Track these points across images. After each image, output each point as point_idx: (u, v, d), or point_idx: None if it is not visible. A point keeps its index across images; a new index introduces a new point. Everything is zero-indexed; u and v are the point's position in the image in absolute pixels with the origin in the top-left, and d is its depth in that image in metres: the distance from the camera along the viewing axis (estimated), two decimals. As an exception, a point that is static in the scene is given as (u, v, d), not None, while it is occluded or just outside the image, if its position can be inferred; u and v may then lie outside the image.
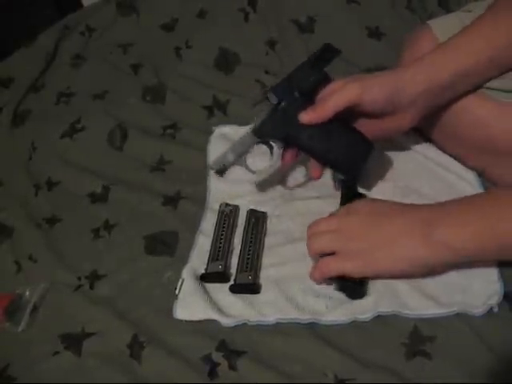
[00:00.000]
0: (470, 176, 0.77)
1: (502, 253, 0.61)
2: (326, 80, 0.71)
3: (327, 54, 0.72)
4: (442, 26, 0.74)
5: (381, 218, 0.64)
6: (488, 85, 0.71)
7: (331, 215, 0.70)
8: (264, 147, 0.73)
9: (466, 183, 0.77)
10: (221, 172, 0.72)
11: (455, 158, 0.79)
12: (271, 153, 0.72)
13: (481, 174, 0.77)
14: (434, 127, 0.78)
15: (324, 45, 0.73)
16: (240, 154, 0.71)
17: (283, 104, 0.69)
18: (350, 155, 0.71)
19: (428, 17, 1.04)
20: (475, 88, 0.71)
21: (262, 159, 0.75)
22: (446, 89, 0.69)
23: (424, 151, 0.81)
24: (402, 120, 0.70)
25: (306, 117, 0.68)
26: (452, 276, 0.68)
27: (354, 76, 0.70)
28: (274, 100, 0.69)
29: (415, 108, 0.69)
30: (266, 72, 1.01)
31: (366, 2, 1.08)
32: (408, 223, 0.62)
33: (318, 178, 0.75)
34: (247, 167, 0.73)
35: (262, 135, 0.71)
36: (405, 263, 0.63)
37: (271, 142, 0.72)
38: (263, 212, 0.79)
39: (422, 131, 0.81)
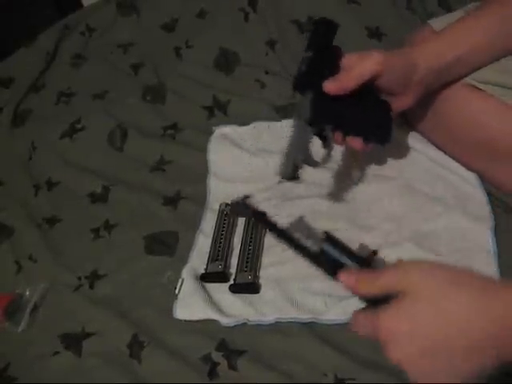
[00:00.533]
0: (471, 177, 0.77)
1: None
2: (338, 52, 0.68)
3: (324, 30, 0.70)
4: (444, 24, 0.75)
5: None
6: (489, 79, 0.71)
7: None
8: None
9: (468, 184, 0.77)
10: (294, 176, 0.64)
11: (456, 161, 0.79)
12: (325, 141, 0.68)
13: (481, 177, 0.77)
14: (435, 128, 0.78)
15: (315, 24, 0.71)
16: (305, 150, 0.66)
17: (315, 87, 0.66)
18: (383, 121, 0.70)
19: (428, 17, 1.04)
20: (470, 73, 0.72)
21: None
22: (448, 69, 0.70)
23: (426, 152, 0.81)
24: (406, 98, 0.71)
25: (330, 85, 0.64)
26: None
27: (369, 50, 0.68)
28: (306, 89, 0.66)
29: (419, 86, 0.70)
30: (266, 72, 1.01)
31: (367, 2, 1.08)
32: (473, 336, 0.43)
33: (363, 147, 0.69)
34: (312, 161, 0.67)
35: (316, 122, 0.66)
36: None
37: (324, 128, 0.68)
38: (263, 212, 0.79)
39: (423, 133, 0.81)
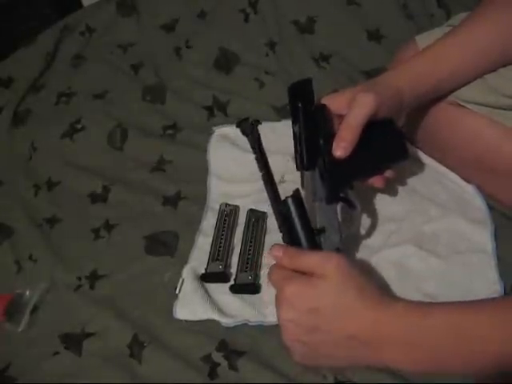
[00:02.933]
0: (470, 188, 0.77)
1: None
2: (324, 110, 0.66)
3: (300, 94, 0.68)
4: (427, 41, 0.74)
5: (315, 332, 0.51)
6: (476, 99, 0.71)
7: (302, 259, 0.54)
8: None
9: (467, 193, 0.77)
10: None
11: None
12: (349, 203, 0.66)
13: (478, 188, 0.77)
14: (429, 147, 0.80)
15: (290, 89, 0.69)
16: (338, 226, 0.63)
17: (320, 162, 0.64)
18: (395, 141, 0.68)
19: (428, 18, 1.04)
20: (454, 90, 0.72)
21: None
22: (434, 89, 0.71)
23: (426, 162, 0.81)
24: (398, 121, 0.70)
25: (339, 151, 0.62)
26: (452, 276, 0.68)
27: (350, 89, 0.67)
28: (312, 169, 0.65)
29: (408, 109, 0.70)
30: (266, 72, 1.01)
31: (367, 3, 1.08)
32: (352, 339, 0.50)
33: (385, 182, 0.69)
34: (347, 229, 0.67)
35: (335, 198, 0.64)
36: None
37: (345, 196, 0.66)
38: (263, 212, 0.79)
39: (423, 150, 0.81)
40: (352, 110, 0.63)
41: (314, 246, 0.57)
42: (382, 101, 0.64)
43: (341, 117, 0.65)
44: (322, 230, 0.60)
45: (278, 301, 0.52)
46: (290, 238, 0.57)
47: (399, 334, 0.48)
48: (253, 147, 0.63)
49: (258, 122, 0.64)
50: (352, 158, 0.63)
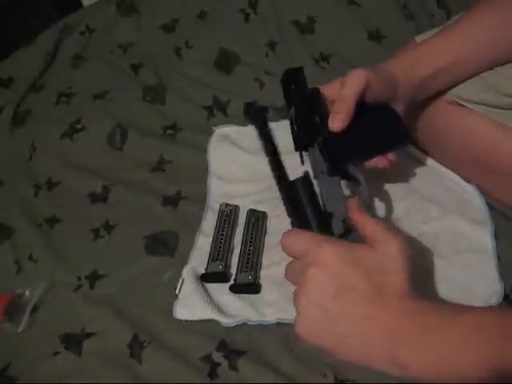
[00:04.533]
0: (470, 188, 0.77)
1: None
2: (318, 93, 0.66)
3: (292, 80, 0.68)
4: None
5: (345, 295, 0.46)
6: (473, 97, 0.71)
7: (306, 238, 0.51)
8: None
9: (467, 193, 0.77)
10: (346, 230, 0.58)
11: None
12: (354, 179, 0.64)
13: (479, 190, 0.77)
14: (429, 146, 0.79)
15: (283, 76, 0.69)
16: (343, 201, 0.60)
17: (318, 139, 0.64)
18: (395, 124, 0.67)
19: (428, 18, 1.04)
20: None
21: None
22: (431, 80, 0.70)
23: (425, 161, 0.81)
24: None
25: (336, 122, 0.62)
26: (452, 276, 0.68)
27: (343, 76, 0.66)
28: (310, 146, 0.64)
29: (404, 99, 0.69)
30: (266, 72, 1.01)
31: (367, 3, 1.08)
32: (373, 320, 0.46)
33: (389, 163, 0.67)
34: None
35: (337, 169, 0.63)
36: (362, 363, 0.48)
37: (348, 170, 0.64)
38: (263, 212, 0.79)
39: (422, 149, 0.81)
40: (344, 85, 0.64)
41: (325, 228, 0.55)
42: (374, 76, 0.64)
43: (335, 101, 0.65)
44: (331, 214, 0.57)
45: (310, 258, 0.47)
46: (300, 222, 0.55)
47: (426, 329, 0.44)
48: (259, 132, 0.63)
49: (266, 108, 0.65)
50: (350, 136, 0.63)
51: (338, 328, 0.46)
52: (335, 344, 0.47)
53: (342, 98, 0.63)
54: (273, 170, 0.60)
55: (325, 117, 0.64)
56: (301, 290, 0.48)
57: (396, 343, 0.44)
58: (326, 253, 0.47)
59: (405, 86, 0.68)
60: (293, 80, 0.68)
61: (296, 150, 0.67)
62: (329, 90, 0.67)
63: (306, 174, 0.57)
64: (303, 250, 0.48)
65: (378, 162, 0.67)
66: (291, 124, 0.67)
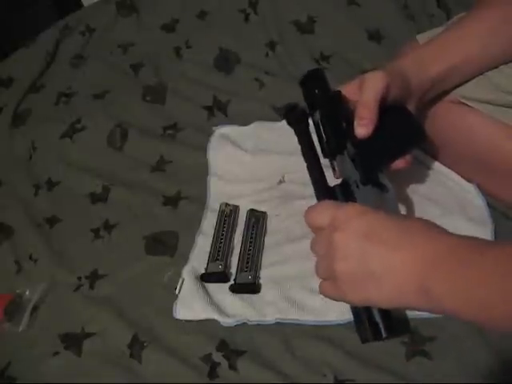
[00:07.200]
0: (470, 187, 0.77)
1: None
2: (341, 95, 0.65)
3: (314, 84, 0.68)
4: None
5: (374, 247, 0.47)
6: (479, 97, 0.71)
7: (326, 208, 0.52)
8: None
9: (467, 192, 0.77)
10: None
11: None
12: (383, 186, 0.63)
13: (480, 189, 0.77)
14: (432, 144, 0.79)
15: (303, 80, 0.69)
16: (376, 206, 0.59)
17: (348, 145, 0.63)
18: (412, 125, 0.67)
19: (428, 18, 1.04)
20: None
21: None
22: (439, 80, 0.69)
23: (425, 162, 0.81)
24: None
25: (362, 129, 0.61)
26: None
27: (358, 77, 0.66)
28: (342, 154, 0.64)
29: (416, 97, 0.69)
30: (266, 72, 1.01)
31: (367, 3, 1.08)
32: (405, 265, 0.46)
33: (407, 164, 0.67)
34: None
35: (369, 177, 0.62)
36: (401, 306, 0.49)
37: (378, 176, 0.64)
38: (263, 212, 0.79)
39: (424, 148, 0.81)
40: (365, 89, 0.62)
41: None
42: (391, 78, 0.63)
43: (354, 102, 0.64)
44: None
45: (335, 222, 0.48)
46: None
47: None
48: (299, 137, 0.62)
49: (306, 113, 0.63)
50: (375, 140, 0.62)
51: (372, 271, 0.46)
52: (373, 288, 0.47)
53: (364, 103, 0.62)
54: (311, 175, 0.59)
55: (350, 122, 0.63)
56: (332, 251, 0.48)
57: (428, 274, 0.44)
58: (347, 211, 0.48)
59: (416, 86, 0.67)
60: (315, 82, 0.67)
61: (325, 157, 0.66)
62: (346, 91, 0.66)
63: (345, 180, 0.57)
64: (327, 218, 0.49)
65: (399, 164, 0.66)
66: (317, 128, 0.66)
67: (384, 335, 0.52)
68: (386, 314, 0.52)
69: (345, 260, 0.48)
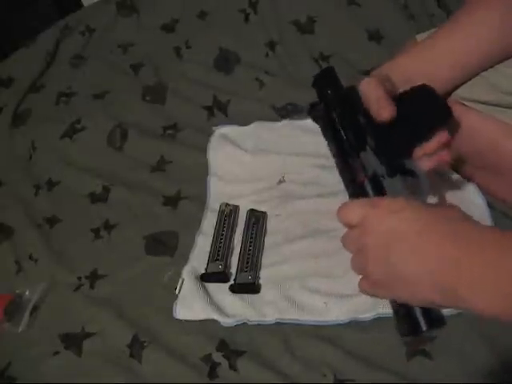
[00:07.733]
0: (470, 186, 0.77)
1: None
2: (356, 90, 0.64)
3: (327, 83, 0.66)
4: None
5: (398, 247, 0.48)
6: (479, 97, 0.71)
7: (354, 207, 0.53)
8: None
9: (467, 191, 0.77)
10: None
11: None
12: (412, 172, 0.63)
13: (479, 188, 0.77)
14: None
15: (315, 81, 0.67)
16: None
17: (368, 140, 0.62)
18: (436, 102, 0.65)
19: (428, 18, 1.04)
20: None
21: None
22: (444, 82, 0.69)
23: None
24: None
25: (384, 113, 0.60)
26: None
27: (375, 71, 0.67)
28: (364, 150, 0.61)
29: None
30: (266, 72, 1.01)
31: (367, 3, 1.08)
32: (432, 265, 0.46)
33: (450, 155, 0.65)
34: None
35: (395, 168, 0.61)
36: (427, 304, 0.50)
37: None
38: (263, 212, 0.79)
39: None
40: (380, 79, 0.62)
41: None
42: (387, 79, 0.63)
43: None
44: None
45: (365, 221, 0.49)
46: None
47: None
48: (325, 132, 0.62)
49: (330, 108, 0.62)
50: (395, 128, 0.61)
51: (404, 275, 0.47)
52: (404, 291, 0.48)
53: (376, 98, 0.61)
54: (341, 172, 0.59)
55: (368, 115, 0.62)
56: (363, 253, 0.49)
57: (456, 273, 0.44)
58: (376, 213, 0.49)
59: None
60: (326, 83, 0.66)
61: (350, 156, 0.63)
62: (363, 87, 0.63)
63: (375, 174, 0.57)
64: (358, 216, 0.50)
65: (440, 157, 0.64)
66: (337, 129, 0.64)
67: (424, 329, 0.50)
68: (425, 307, 0.51)
69: (375, 264, 0.49)
